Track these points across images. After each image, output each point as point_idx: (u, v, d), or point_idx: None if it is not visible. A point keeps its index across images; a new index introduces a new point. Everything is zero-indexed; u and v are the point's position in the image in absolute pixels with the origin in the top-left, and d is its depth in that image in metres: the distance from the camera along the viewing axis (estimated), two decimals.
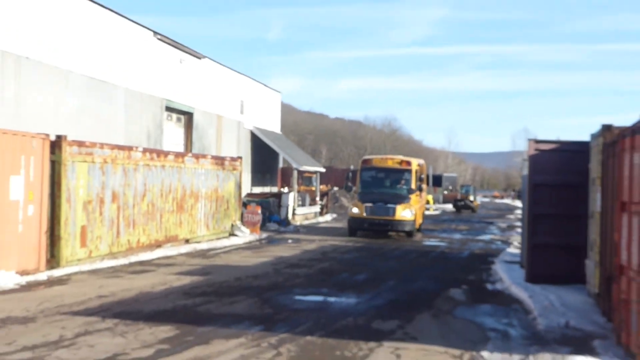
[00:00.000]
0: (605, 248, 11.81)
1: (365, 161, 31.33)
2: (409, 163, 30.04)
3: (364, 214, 27.88)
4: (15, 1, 21.55)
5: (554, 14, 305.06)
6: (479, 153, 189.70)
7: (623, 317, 9.40)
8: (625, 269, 9.40)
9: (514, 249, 24.53)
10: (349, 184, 37.86)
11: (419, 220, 31.02)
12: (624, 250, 9.59)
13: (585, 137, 14.74)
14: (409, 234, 28.40)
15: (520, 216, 29.58)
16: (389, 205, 27.63)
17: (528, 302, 13.36)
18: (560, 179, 15.22)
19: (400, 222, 27.84)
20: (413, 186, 29.19)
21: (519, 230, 27.56)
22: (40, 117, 22.47)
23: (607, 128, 12.24)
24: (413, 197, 28.77)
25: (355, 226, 28.44)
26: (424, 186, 33.00)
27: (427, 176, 75.66)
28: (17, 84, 21.61)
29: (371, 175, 30.03)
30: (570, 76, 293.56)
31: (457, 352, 9.49)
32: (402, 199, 28.28)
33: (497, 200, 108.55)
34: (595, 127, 13.31)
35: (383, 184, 29.66)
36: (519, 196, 76.85)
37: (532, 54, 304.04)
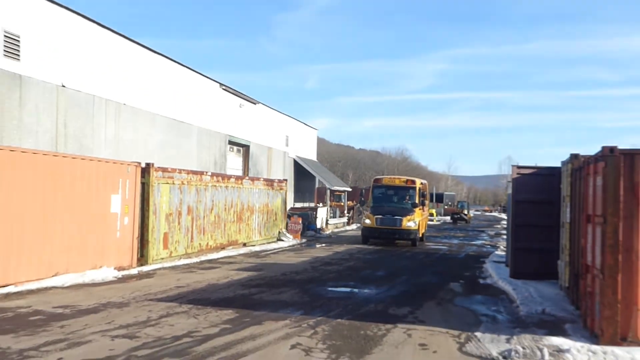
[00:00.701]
0: (573, 251, 11.68)
1: (376, 180, 29.81)
2: (413, 182, 28.85)
3: (375, 224, 26.39)
4: (115, 61, 21.98)
5: (530, 68, 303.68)
6: (473, 176, 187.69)
7: (588, 306, 9.29)
8: (590, 268, 9.30)
9: (501, 251, 24.24)
10: (363, 199, 36.71)
11: (422, 230, 29.39)
12: (588, 253, 9.50)
13: (557, 163, 14.58)
14: (413, 241, 26.85)
15: (505, 226, 29.24)
16: (396, 217, 26.20)
17: (512, 293, 13.22)
18: (537, 197, 15.06)
19: (406, 232, 26.25)
20: (417, 201, 27.65)
21: (505, 236, 27.20)
22: (134, 149, 22.80)
23: (574, 157, 12.13)
24: (417, 210, 27.17)
25: (368, 234, 27.03)
26: (426, 202, 31.57)
27: (430, 194, 75.52)
28: (117, 123, 21.99)
29: (381, 192, 28.47)
30: (544, 116, 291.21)
31: (456, 332, 9.41)
32: (407, 212, 26.69)
33: (487, 214, 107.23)
34: (565, 156, 13.18)
35: (391, 200, 28.09)
36: (504, 210, 75.89)
37: (513, 99, 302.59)
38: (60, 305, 10.60)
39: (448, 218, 67.22)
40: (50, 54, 18.62)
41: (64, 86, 19.19)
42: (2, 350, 7.55)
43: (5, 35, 16.92)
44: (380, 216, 26.33)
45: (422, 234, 29.38)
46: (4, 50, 16.89)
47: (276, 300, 11.75)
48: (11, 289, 11.96)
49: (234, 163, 33.47)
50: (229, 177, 22.66)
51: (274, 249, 23.87)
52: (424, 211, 29.56)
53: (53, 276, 13.22)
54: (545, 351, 8.08)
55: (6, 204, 12.09)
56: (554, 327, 9.70)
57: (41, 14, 18.30)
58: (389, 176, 34.55)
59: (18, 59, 17.36)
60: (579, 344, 8.29)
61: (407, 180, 29.20)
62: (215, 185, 20.99)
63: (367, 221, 26.96)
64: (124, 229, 15.88)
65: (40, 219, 12.99)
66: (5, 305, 10.55)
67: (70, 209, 13.90)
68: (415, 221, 26.33)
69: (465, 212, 64.42)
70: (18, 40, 17.36)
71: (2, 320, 9.31)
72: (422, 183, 29.71)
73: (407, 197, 27.80)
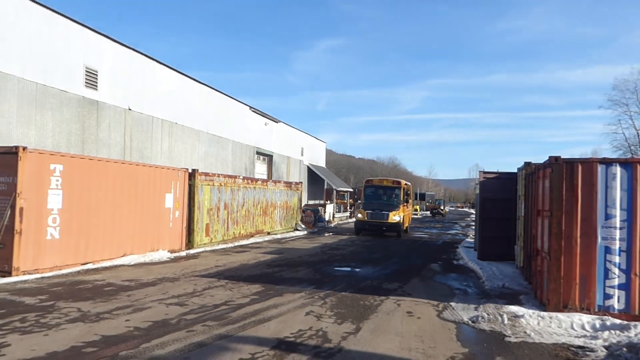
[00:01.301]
0: (527, 238, 11.66)
1: (367, 181, 27.85)
2: (399, 182, 27.18)
3: (366, 218, 24.93)
4: (168, 89, 22.17)
5: (493, 94, 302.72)
6: (448, 179, 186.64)
7: (538, 281, 9.30)
8: (540, 251, 9.31)
9: (470, 239, 24.15)
10: (356, 197, 34.82)
11: (407, 224, 27.98)
12: (538, 240, 9.51)
13: (514, 169, 14.57)
14: (398, 233, 25.33)
15: (474, 218, 29.09)
16: (384, 212, 24.74)
17: (479, 272, 13.18)
18: (498, 196, 15.04)
19: (392, 224, 24.68)
20: (401, 199, 26.08)
21: (473, 227, 27.14)
22: (183, 158, 22.99)
23: (527, 164, 12.12)
24: (401, 206, 25.68)
25: (360, 227, 25.45)
26: (410, 200, 29.59)
27: (415, 193, 75.14)
28: (170, 138, 22.17)
29: (372, 191, 26.65)
30: (504, 132, 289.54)
31: (435, 302, 9.44)
32: (393, 207, 25.23)
33: (460, 209, 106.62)
34: (520, 164, 13.18)
35: (380, 197, 26.27)
36: (473, 206, 75.51)
37: (480, 119, 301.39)
38: (127, 279, 10.73)
39: (429, 213, 66.97)
40: (120, 84, 18.85)
41: (130, 109, 19.39)
42: (83, 313, 7.67)
43: (86, 71, 17.16)
44: (370, 211, 25.02)
45: (407, 227, 28.22)
46: (85, 82, 17.13)
47: (293, 277, 11.78)
48: (90, 266, 12.14)
49: (260, 169, 33.60)
50: (257, 180, 22.76)
51: (292, 236, 23.88)
52: (407, 207, 28.20)
53: (121, 256, 13.38)
54: (505, 317, 8.11)
55: (87, 200, 12.26)
56: (512, 298, 9.71)
57: (113, 53, 18.53)
58: (378, 177, 31.80)
59: (96, 89, 17.60)
60: (530, 311, 8.31)
61: (394, 181, 27.61)
62: (245, 187, 21.09)
63: (359, 215, 25.53)
64: (175, 220, 16.02)
65: (111, 212, 13.16)
66: (85, 278, 10.71)
67: (135, 204, 14.06)
68: (400, 216, 25.07)
69: (442, 208, 64.20)
70: (96, 74, 17.59)
71: (84, 290, 9.46)
72: (406, 184, 28.26)
73: (394, 196, 26.31)
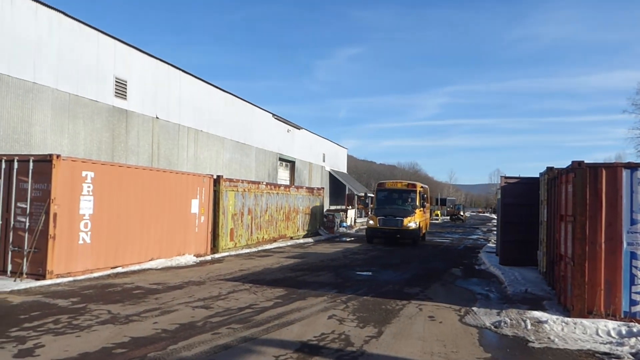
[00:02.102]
0: (549, 243, 11.45)
1: (380, 184, 25.23)
2: (414, 185, 24.55)
3: (378, 225, 22.62)
4: (194, 98, 22.49)
5: (513, 100, 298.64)
6: (469, 184, 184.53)
7: (562, 287, 9.10)
8: (563, 257, 9.11)
9: (492, 244, 23.71)
10: (366, 201, 31.27)
11: (423, 230, 25.35)
12: (562, 245, 9.31)
13: (535, 174, 14.32)
14: (414, 241, 22.89)
15: (495, 223, 28.62)
16: (398, 218, 22.47)
17: (501, 277, 12.97)
18: (520, 201, 14.80)
19: (407, 231, 22.37)
20: (417, 203, 23.59)
21: (495, 232, 26.69)
22: (208, 165, 23.25)
23: (550, 169, 11.90)
24: (417, 212, 23.26)
25: (371, 234, 23.08)
26: (427, 204, 26.88)
27: (436, 199, 74.09)
28: (195, 145, 22.47)
29: (384, 195, 24.18)
30: (524, 137, 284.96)
31: (457, 307, 9.32)
32: (408, 213, 22.85)
33: (481, 214, 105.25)
34: (542, 169, 12.97)
35: (394, 202, 23.82)
36: (494, 211, 74.43)
37: (500, 124, 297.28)
38: (155, 282, 10.87)
39: (448, 218, 66.29)
40: (147, 93, 19.22)
41: (157, 118, 19.74)
42: (113, 315, 7.81)
43: (116, 81, 17.55)
44: (383, 217, 22.73)
45: (424, 234, 25.75)
46: (115, 91, 17.51)
47: (316, 281, 11.76)
48: (119, 269, 12.35)
49: (283, 175, 33.75)
50: (279, 185, 22.87)
51: (314, 241, 23.90)
52: (424, 213, 25.71)
53: (149, 260, 13.58)
54: (528, 322, 7.96)
55: (116, 206, 12.50)
56: (535, 303, 9.52)
57: (141, 63, 18.91)
58: (391, 180, 27.81)
59: (125, 98, 17.97)
60: (554, 317, 8.14)
61: (409, 184, 24.99)
62: (269, 192, 21.19)
63: (371, 222, 23.12)
64: (200, 225, 16.18)
65: (139, 217, 13.37)
66: (115, 281, 10.91)
67: (162, 210, 14.27)
68: (415, 222, 22.73)
69: (462, 213, 63.46)
70: (125, 84, 17.97)
71: (113, 293, 9.62)
72: (422, 187, 25.76)
73: (409, 200, 23.81)
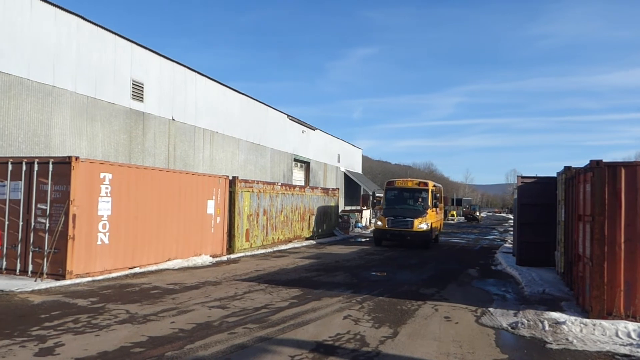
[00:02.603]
0: (567, 243, 11.28)
1: (389, 183, 23.32)
2: (426, 184, 22.68)
3: (387, 226, 21.24)
4: (210, 100, 22.65)
5: (528, 99, 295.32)
6: (486, 184, 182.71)
7: (580, 287, 8.96)
8: (581, 257, 8.97)
9: (508, 244, 23.50)
10: (374, 201, 29.77)
11: (436, 232, 23.74)
12: (580, 245, 9.17)
13: (552, 174, 14.16)
14: (425, 244, 21.25)
15: (512, 224, 28.31)
16: (408, 219, 20.97)
17: (518, 277, 12.85)
18: (537, 201, 14.63)
19: (417, 233, 20.81)
20: (429, 203, 21.94)
21: (511, 232, 26.41)
22: (223, 166, 23.40)
23: (567, 168, 11.73)
24: (429, 212, 21.68)
25: (379, 236, 21.71)
26: (440, 204, 25.03)
27: (451, 199, 73.21)
28: (211, 146, 22.63)
29: (394, 194, 22.53)
30: (540, 137, 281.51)
31: (473, 307, 9.25)
32: (419, 213, 21.30)
33: (497, 214, 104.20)
34: (559, 168, 12.81)
35: (404, 202, 22.24)
36: (511, 211, 73.60)
37: (516, 123, 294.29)
38: (172, 283, 10.97)
39: (463, 218, 65.81)
40: (164, 95, 19.43)
41: (173, 120, 19.94)
42: (131, 314, 7.91)
43: (133, 84, 17.77)
44: (391, 218, 21.30)
45: (436, 236, 24.07)
46: (132, 94, 17.74)
47: (331, 282, 11.76)
48: (137, 270, 12.50)
49: (298, 175, 33.81)
50: (294, 186, 22.95)
51: (329, 242, 23.88)
52: (437, 213, 23.97)
53: (166, 261, 13.71)
54: (546, 323, 7.85)
55: (134, 207, 12.65)
56: (553, 304, 9.40)
57: (157, 66, 19.12)
58: (401, 179, 24.52)
59: (142, 101, 18.19)
60: (572, 318, 8.01)
61: (420, 182, 22.94)
62: (284, 193, 21.24)
63: (379, 223, 21.73)
64: (216, 226, 16.28)
65: (156, 218, 13.51)
66: (133, 281, 11.04)
67: (179, 210, 14.40)
68: (427, 223, 21.14)
69: (477, 213, 63.03)
70: (142, 87, 18.19)
71: (131, 292, 9.74)
72: (435, 185, 23.94)
73: (420, 199, 22.12)
